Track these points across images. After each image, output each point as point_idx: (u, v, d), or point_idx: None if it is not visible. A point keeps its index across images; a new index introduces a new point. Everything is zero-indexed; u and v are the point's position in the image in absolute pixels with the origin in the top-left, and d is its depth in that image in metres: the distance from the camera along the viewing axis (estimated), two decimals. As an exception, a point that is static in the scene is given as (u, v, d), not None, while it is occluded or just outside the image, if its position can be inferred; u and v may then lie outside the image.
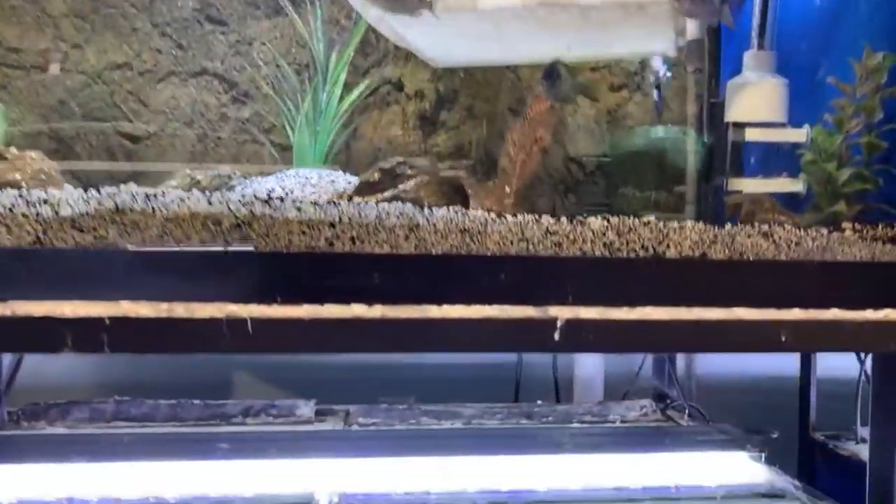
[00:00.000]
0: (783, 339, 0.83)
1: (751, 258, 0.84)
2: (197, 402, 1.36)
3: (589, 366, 1.68)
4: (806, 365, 1.47)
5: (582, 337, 0.80)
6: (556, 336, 0.80)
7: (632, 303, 0.82)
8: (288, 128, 1.25)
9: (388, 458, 1.14)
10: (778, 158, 1.15)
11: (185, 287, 0.76)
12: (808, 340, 0.84)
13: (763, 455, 1.23)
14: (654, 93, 1.36)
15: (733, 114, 1.13)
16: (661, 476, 1.14)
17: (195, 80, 1.31)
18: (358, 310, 0.78)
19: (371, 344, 0.78)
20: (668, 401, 1.53)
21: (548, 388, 1.62)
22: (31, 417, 1.27)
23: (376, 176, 0.95)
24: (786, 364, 1.53)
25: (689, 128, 1.29)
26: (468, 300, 0.80)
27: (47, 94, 1.28)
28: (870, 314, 0.85)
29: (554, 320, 0.80)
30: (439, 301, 0.79)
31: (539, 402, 1.56)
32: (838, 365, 1.45)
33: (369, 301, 0.78)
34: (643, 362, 1.64)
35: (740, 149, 1.16)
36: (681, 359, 1.69)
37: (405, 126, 1.36)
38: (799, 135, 1.08)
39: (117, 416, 1.30)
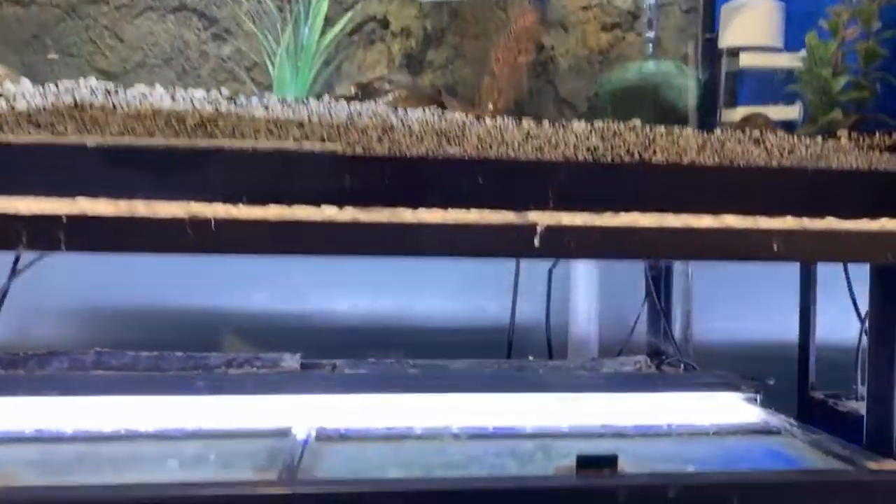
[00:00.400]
0: (775, 247, 0.79)
1: (741, 165, 0.81)
2: (179, 354, 1.33)
3: (583, 325, 1.65)
4: (805, 324, 1.44)
5: (563, 243, 0.77)
6: (536, 242, 0.77)
7: (616, 209, 0.78)
8: (269, 64, 1.21)
9: (370, 395, 1.11)
10: (772, 91, 1.12)
11: (147, 185, 0.73)
12: (802, 249, 0.80)
13: (758, 397, 1.20)
14: (647, 30, 1.32)
15: (727, 39, 1.10)
16: (653, 416, 1.11)
17: (174, 16, 1.28)
18: (328, 212, 0.75)
19: (342, 247, 0.75)
20: (664, 356, 1.50)
21: (541, 349, 1.59)
22: (9, 366, 1.23)
23: (352, 90, 0.91)
24: (785, 329, 1.49)
25: (682, 63, 1.25)
26: (445, 204, 0.76)
27: (20, 28, 1.24)
28: (865, 223, 0.81)
29: (534, 226, 0.77)
30: (414, 205, 0.76)
31: (530, 357, 1.53)
32: (837, 330, 1.41)
33: (340, 203, 0.75)
34: (638, 317, 1.62)
35: (734, 78, 1.13)
36: (677, 324, 1.66)
37: (390, 65, 1.32)
38: (795, 60, 1.04)
39: (98, 366, 1.27)
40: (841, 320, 1.39)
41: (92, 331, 1.51)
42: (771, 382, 1.27)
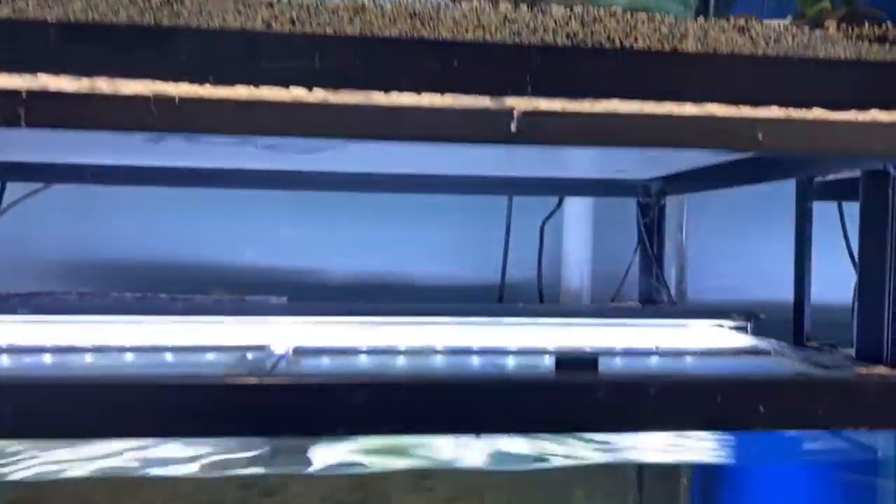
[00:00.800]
0: (760, 137, 0.77)
1: (725, 53, 0.78)
2: (163, 295, 1.32)
3: (575, 278, 1.64)
4: (800, 272, 1.41)
5: (540, 129, 0.75)
6: (513, 127, 0.74)
7: (596, 96, 0.76)
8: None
9: (353, 318, 1.09)
10: (762, 8, 1.09)
11: (110, 63, 0.71)
12: (787, 139, 0.78)
13: (749, 326, 1.18)
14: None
15: (716, -50, 1.07)
16: (640, 339, 1.09)
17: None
18: (297, 93, 0.72)
19: (310, 128, 0.73)
20: (656, 303, 1.48)
21: (532, 302, 1.58)
22: (-10, 303, 1.21)
23: (330, -11, 0.89)
24: (780, 290, 1.47)
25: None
26: (418, 88, 0.74)
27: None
28: (854, 115, 0.79)
29: (511, 111, 0.74)
30: (387, 88, 0.74)
31: (520, 304, 1.51)
32: (835, 290, 1.39)
33: (309, 85, 0.73)
34: (630, 266, 1.60)
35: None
36: (671, 282, 1.64)
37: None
38: (786, -29, 1.02)
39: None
40: (838, 280, 1.36)
41: (75, 285, 1.49)
42: (762, 316, 1.25)
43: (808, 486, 0.98)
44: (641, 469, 0.92)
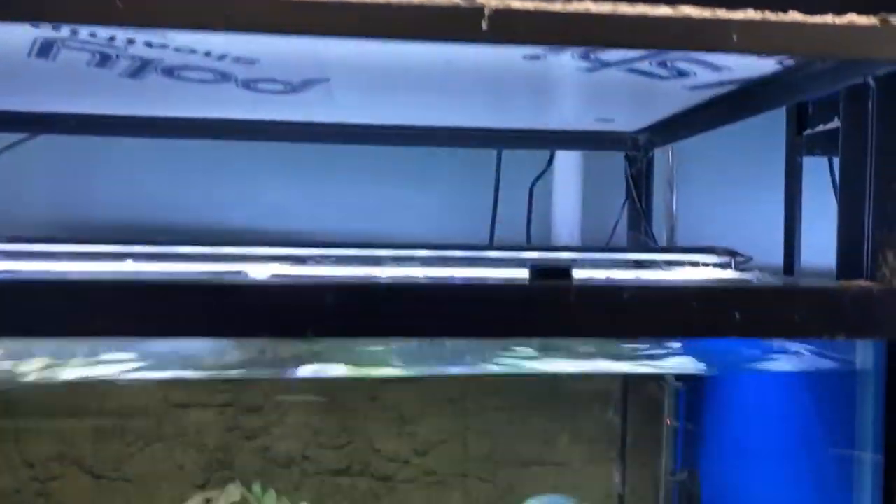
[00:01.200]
0: (734, 38, 0.76)
1: (699, -43, 0.78)
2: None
3: (565, 238, 1.63)
4: (790, 218, 1.41)
5: (512, 27, 0.74)
6: (485, 25, 0.74)
7: (568, -4, 0.76)
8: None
9: (336, 250, 1.08)
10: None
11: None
12: (762, 42, 0.77)
13: (732, 262, 1.17)
14: None
15: None
16: (623, 273, 1.08)
17: None
18: (265, -9, 0.72)
19: (279, 26, 0.72)
20: (645, 258, 1.47)
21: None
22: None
23: None
24: (772, 256, 1.46)
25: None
26: (388, -14, 0.74)
27: None
28: (830, 18, 0.78)
29: (481, 8, 0.74)
30: (357, -13, 0.73)
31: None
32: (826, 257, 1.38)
33: (278, -14, 0.72)
34: (618, 221, 1.60)
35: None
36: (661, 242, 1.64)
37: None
38: None
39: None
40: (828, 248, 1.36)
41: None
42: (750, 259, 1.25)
43: (791, 394, 0.97)
44: (626, 388, 0.91)
